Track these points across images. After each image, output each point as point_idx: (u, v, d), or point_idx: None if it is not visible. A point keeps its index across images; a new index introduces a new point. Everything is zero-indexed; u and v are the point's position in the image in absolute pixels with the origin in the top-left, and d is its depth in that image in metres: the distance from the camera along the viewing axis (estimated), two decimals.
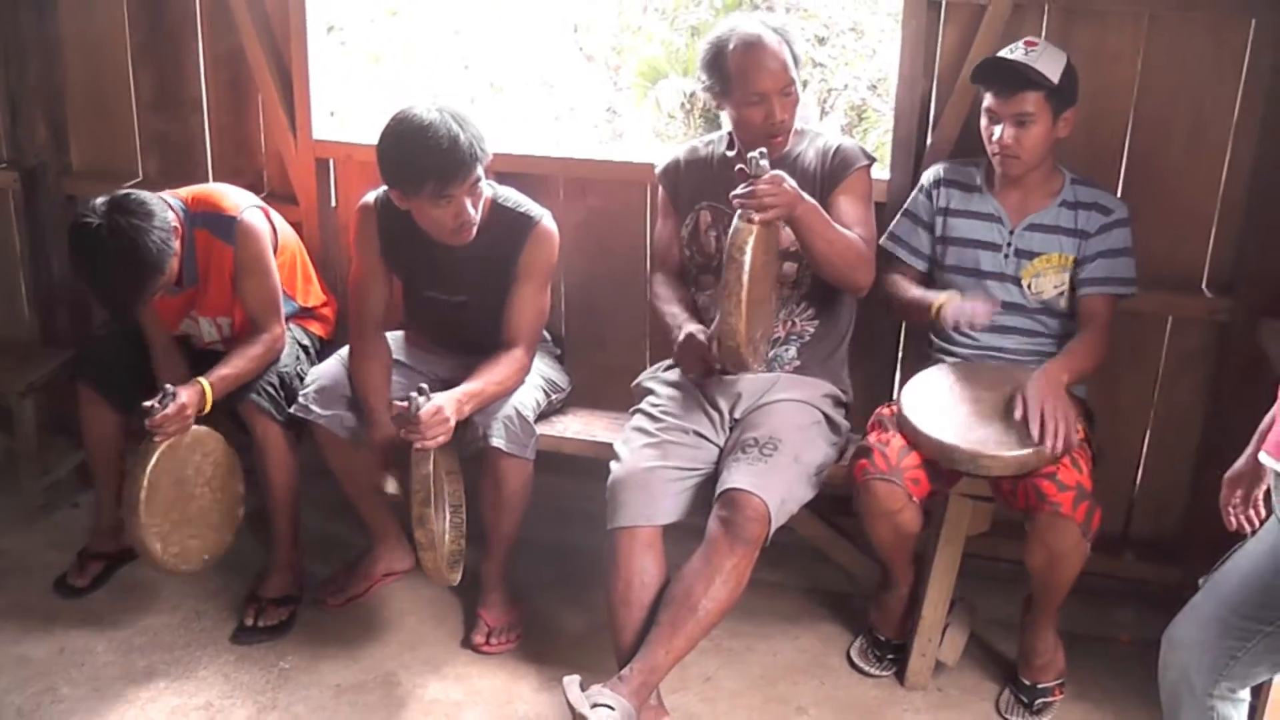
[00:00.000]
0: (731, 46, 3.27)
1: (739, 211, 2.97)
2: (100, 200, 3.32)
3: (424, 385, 3.20)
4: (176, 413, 3.31)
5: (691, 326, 3.37)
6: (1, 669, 3.46)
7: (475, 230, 3.34)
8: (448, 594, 3.78)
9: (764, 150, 3.03)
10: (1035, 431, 3.03)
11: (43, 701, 3.34)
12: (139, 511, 3.26)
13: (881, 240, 3.51)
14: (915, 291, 3.43)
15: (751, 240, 2.92)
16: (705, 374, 3.37)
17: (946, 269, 3.46)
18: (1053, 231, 3.33)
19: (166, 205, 3.44)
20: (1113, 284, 3.32)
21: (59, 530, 4.16)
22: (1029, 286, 3.35)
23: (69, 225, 3.41)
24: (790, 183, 3.02)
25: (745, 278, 2.91)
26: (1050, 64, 3.18)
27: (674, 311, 3.47)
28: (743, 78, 3.26)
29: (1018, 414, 3.08)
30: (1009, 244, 3.36)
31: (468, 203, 3.26)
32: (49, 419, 4.34)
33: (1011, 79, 3.19)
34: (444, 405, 3.17)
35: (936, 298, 3.32)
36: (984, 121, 3.29)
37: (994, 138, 3.25)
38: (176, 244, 3.41)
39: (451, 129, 3.18)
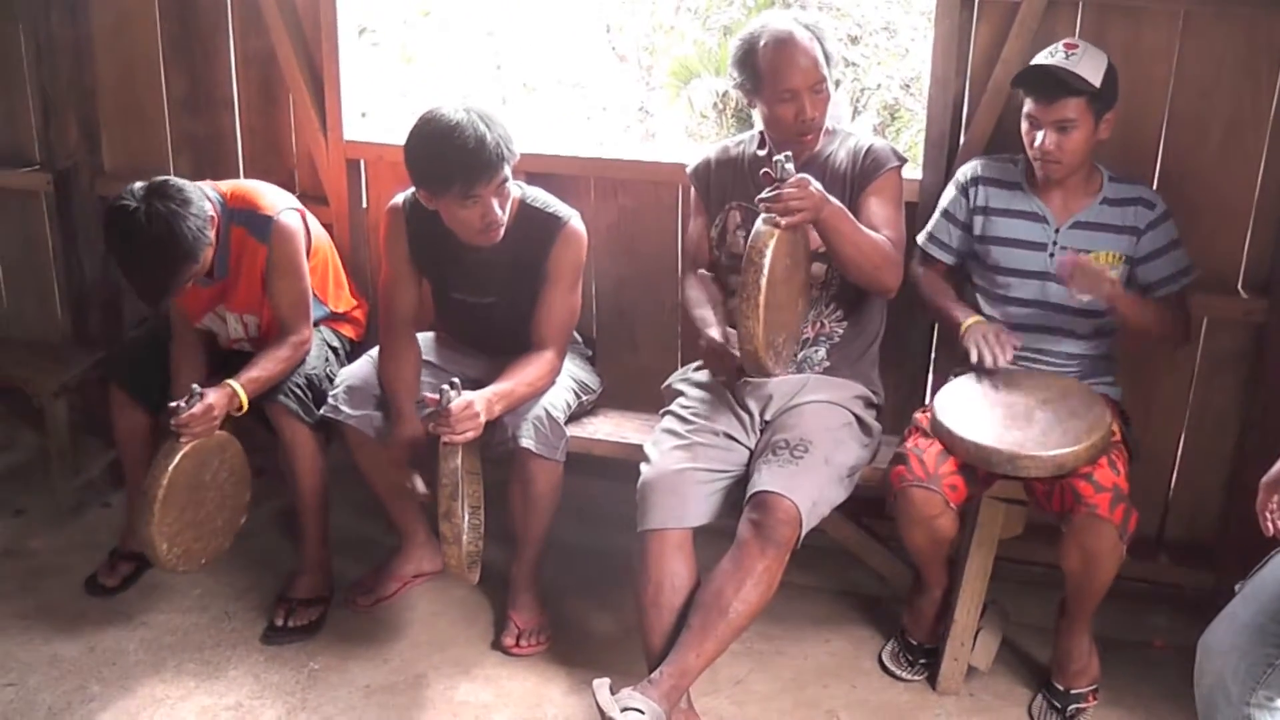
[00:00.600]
0: (763, 43, 3.25)
1: (762, 215, 2.96)
2: (139, 185, 3.33)
3: (455, 380, 3.19)
4: (203, 413, 3.31)
5: (714, 331, 3.36)
6: (33, 667, 3.47)
7: (503, 231, 3.33)
8: (477, 595, 3.78)
9: (789, 154, 3.02)
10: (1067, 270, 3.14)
11: (74, 700, 3.35)
12: (154, 510, 3.26)
13: (919, 239, 3.51)
14: (946, 301, 3.41)
15: (773, 244, 2.91)
16: (732, 377, 3.36)
17: (989, 268, 3.43)
18: (1100, 229, 3.31)
19: (205, 196, 3.46)
20: (1178, 279, 3.32)
21: (90, 530, 4.18)
22: None
23: (107, 208, 3.41)
24: (816, 186, 3.00)
25: (763, 281, 2.90)
26: (1091, 68, 3.15)
27: (704, 315, 3.45)
28: (774, 75, 3.24)
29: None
30: (1054, 243, 3.34)
31: (494, 203, 3.26)
32: (81, 419, 4.36)
33: (1053, 85, 3.15)
34: (474, 401, 3.17)
35: (966, 319, 3.32)
36: (1025, 126, 3.26)
37: (1035, 143, 3.22)
38: (212, 234, 3.42)
39: (478, 129, 3.18)
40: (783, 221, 2.94)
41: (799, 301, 3.25)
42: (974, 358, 3.23)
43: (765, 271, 2.90)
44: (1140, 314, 3.26)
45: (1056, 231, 3.34)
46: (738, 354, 3.13)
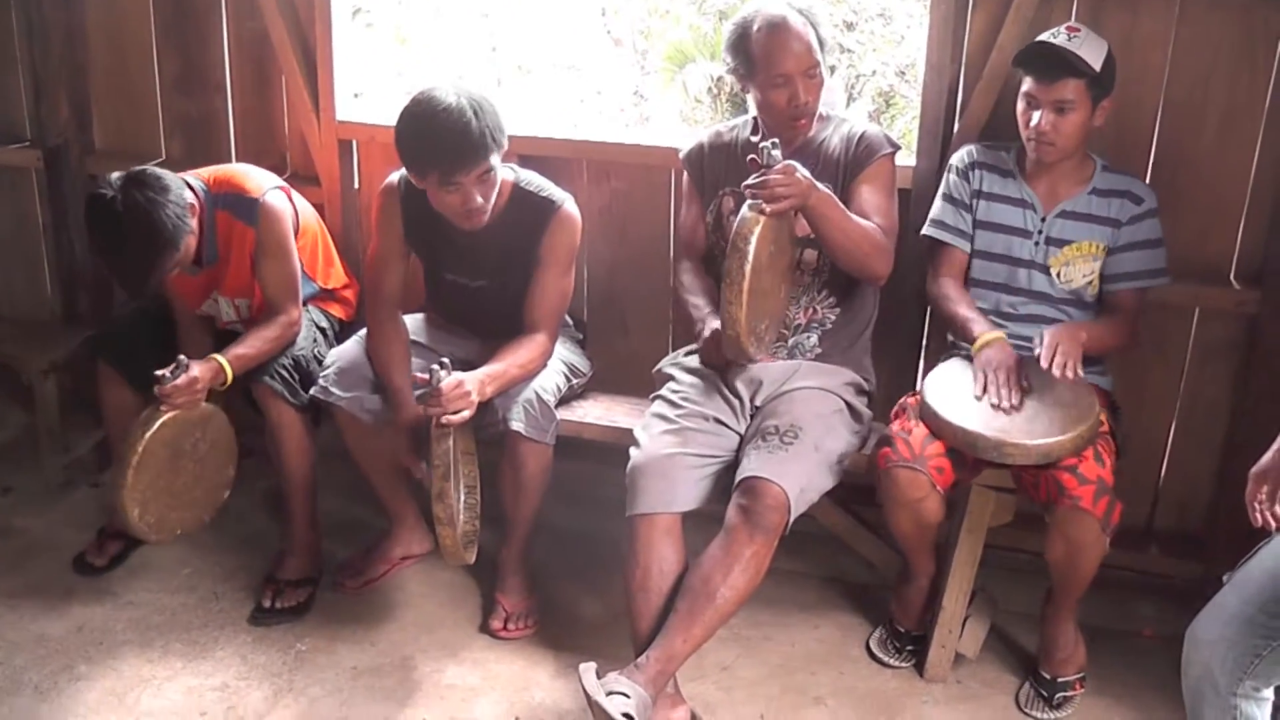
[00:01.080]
0: (756, 28, 3.24)
1: (748, 201, 2.95)
2: (117, 175, 3.32)
3: (445, 360, 3.19)
4: (187, 384, 3.30)
5: (717, 322, 3.34)
6: (20, 646, 3.47)
7: (487, 217, 3.32)
8: (465, 578, 3.78)
9: (776, 140, 3.01)
10: (1045, 359, 3.08)
11: (60, 679, 3.35)
12: (127, 474, 3.26)
13: (925, 229, 3.48)
14: (962, 309, 3.36)
15: (758, 230, 2.91)
16: (730, 367, 3.35)
17: (975, 253, 3.43)
18: (1085, 220, 3.31)
19: (185, 184, 3.44)
20: (1143, 277, 3.30)
21: (79, 509, 4.17)
22: (1058, 275, 3.33)
23: (86, 198, 3.40)
24: (803, 172, 3.00)
25: (747, 267, 2.90)
26: (1093, 52, 3.15)
27: (698, 303, 3.45)
28: (766, 59, 3.23)
29: (1035, 348, 3.15)
30: (1040, 231, 3.33)
31: (476, 191, 3.24)
32: (70, 397, 4.35)
33: (1054, 65, 3.15)
34: (465, 380, 3.16)
35: (983, 334, 3.27)
36: (1021, 106, 3.26)
37: (1031, 123, 3.21)
38: (193, 222, 3.40)
39: (465, 115, 3.16)
40: (768, 208, 2.93)
41: (783, 287, 3.24)
42: (978, 391, 3.17)
43: (750, 258, 2.90)
44: (1101, 345, 3.29)
45: (1043, 220, 3.34)
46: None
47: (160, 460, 3.33)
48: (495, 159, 3.24)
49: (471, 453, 3.42)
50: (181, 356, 3.33)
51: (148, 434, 3.27)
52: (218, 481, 3.56)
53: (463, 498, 3.35)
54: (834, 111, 3.49)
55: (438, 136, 3.17)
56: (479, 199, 3.25)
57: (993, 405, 3.13)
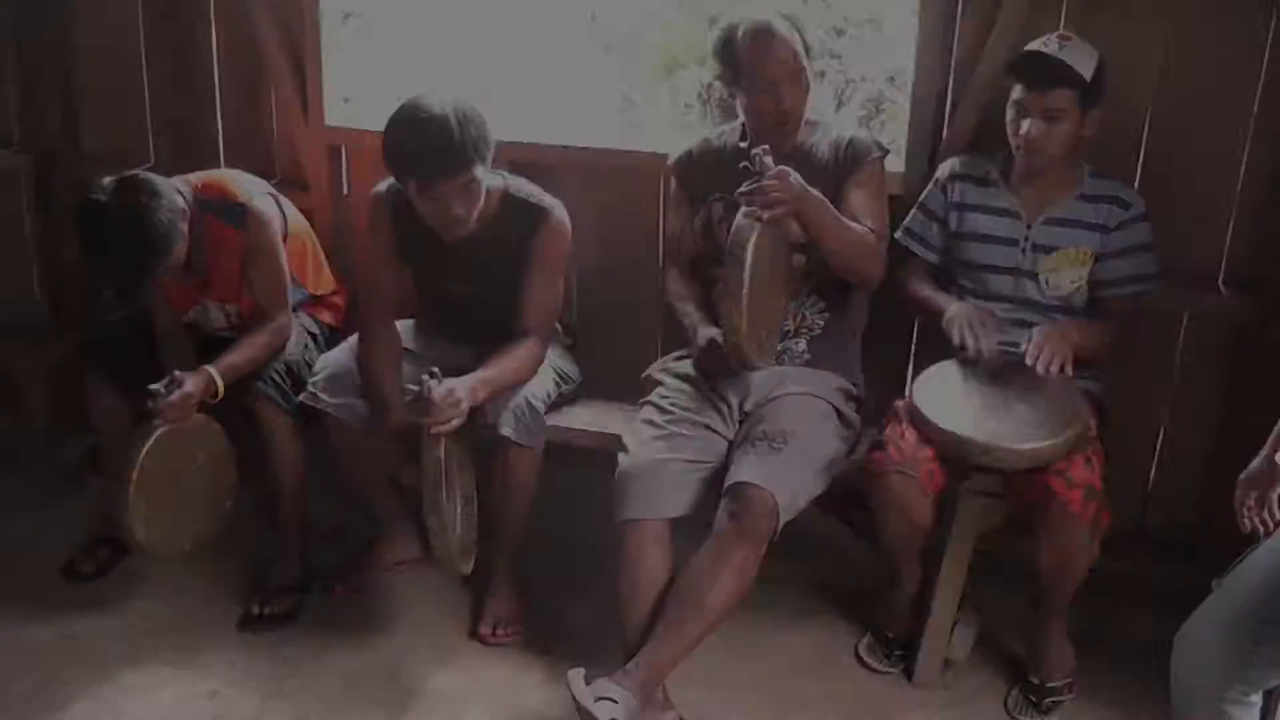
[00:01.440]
0: (741, 34, 3.25)
1: (743, 208, 2.95)
2: (108, 180, 3.30)
3: (435, 369, 3.17)
4: (181, 401, 3.29)
5: (712, 331, 3.34)
6: (7, 654, 3.45)
7: (470, 228, 3.31)
8: (455, 584, 3.77)
9: (766, 147, 3.01)
10: (1031, 357, 3.10)
11: (48, 688, 3.33)
12: (129, 493, 3.25)
13: (897, 234, 3.49)
14: (927, 291, 3.43)
15: (754, 237, 2.91)
16: (727, 375, 3.34)
17: (962, 264, 3.43)
18: (1072, 225, 3.31)
19: (175, 189, 3.43)
20: (1137, 282, 3.31)
21: (68, 515, 4.14)
22: (1045, 281, 3.33)
23: (76, 203, 3.39)
24: (796, 178, 3.00)
25: (746, 275, 2.90)
26: (1084, 62, 3.15)
27: (690, 310, 3.45)
28: (752, 66, 3.23)
29: (1023, 345, 3.15)
30: (1026, 239, 3.34)
31: (455, 201, 3.23)
32: (59, 403, 4.33)
33: (1045, 74, 3.15)
34: (456, 387, 3.14)
35: (949, 305, 3.32)
36: (1011, 114, 3.26)
37: (1021, 131, 3.22)
38: (185, 226, 3.39)
39: (449, 125, 3.14)
40: (764, 215, 2.93)
41: (781, 295, 3.25)
42: (956, 341, 3.22)
43: (748, 265, 2.90)
44: (1091, 346, 3.29)
45: (1029, 227, 3.34)
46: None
47: (160, 475, 3.32)
48: (478, 170, 3.22)
49: (468, 464, 3.41)
50: (175, 372, 3.32)
51: (145, 449, 3.26)
52: (218, 491, 3.55)
53: (460, 509, 3.34)
54: (823, 117, 3.49)
55: (418, 144, 3.16)
56: (458, 209, 3.24)
57: (964, 355, 3.19)
